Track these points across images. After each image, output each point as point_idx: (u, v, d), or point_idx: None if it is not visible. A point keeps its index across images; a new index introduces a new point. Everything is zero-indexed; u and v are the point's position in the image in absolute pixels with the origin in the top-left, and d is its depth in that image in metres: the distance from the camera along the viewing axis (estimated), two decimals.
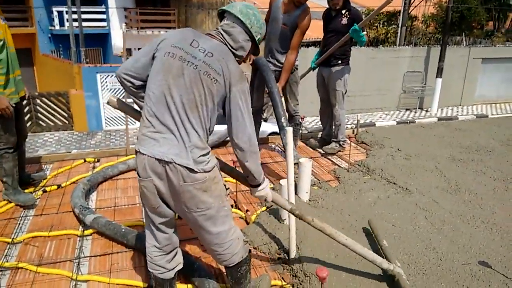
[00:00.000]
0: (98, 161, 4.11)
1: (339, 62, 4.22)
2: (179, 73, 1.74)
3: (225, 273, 2.14)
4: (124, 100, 2.13)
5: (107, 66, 13.60)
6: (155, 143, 1.75)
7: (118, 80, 1.91)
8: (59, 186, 3.49)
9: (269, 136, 5.14)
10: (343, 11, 4.07)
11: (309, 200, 3.24)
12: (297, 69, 3.95)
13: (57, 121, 13.03)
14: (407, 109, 17.19)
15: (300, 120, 4.16)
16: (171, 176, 1.75)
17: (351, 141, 4.19)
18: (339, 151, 4.39)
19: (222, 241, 1.93)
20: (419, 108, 17.23)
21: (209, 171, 1.80)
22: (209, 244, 1.96)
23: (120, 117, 13.41)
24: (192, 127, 1.75)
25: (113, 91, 13.21)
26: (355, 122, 5.68)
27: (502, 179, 3.71)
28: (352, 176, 3.71)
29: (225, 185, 1.96)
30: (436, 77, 16.37)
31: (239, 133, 1.82)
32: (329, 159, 4.29)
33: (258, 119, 4.25)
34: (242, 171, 2.01)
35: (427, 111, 17.09)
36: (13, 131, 3.08)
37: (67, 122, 13.22)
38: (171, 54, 1.76)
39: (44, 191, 3.41)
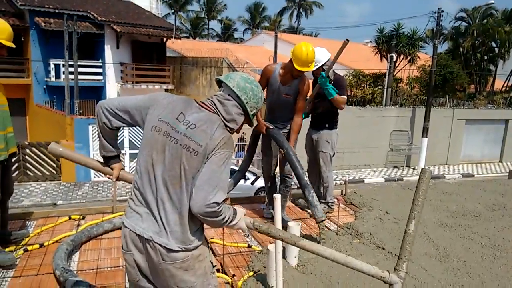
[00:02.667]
0: (83, 218, 4.03)
1: (327, 125, 4.35)
2: (162, 148, 1.72)
3: None
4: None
5: None
6: (138, 217, 1.75)
7: (97, 110, 1.90)
8: (41, 245, 3.39)
9: (258, 194, 5.14)
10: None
11: (298, 265, 3.18)
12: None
13: (45, 171, 12.91)
14: (394, 167, 17.48)
15: (290, 184, 4.20)
16: (150, 253, 1.73)
17: (339, 203, 4.21)
18: (328, 212, 4.39)
19: None
20: (406, 166, 17.53)
21: (193, 249, 1.75)
22: None
23: None
24: (173, 205, 1.70)
25: None
26: (344, 180, 5.73)
27: (490, 246, 3.71)
28: (341, 240, 3.68)
29: (211, 262, 1.89)
30: (422, 136, 16.86)
31: (198, 196, 1.66)
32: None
33: (273, 183, 4.29)
34: None
35: (414, 168, 17.38)
36: None
37: (55, 172, 13.11)
38: (156, 128, 1.75)
39: (26, 250, 3.30)
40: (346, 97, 4.26)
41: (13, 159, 3.33)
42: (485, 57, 26.25)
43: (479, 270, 3.25)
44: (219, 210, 1.70)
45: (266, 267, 2.82)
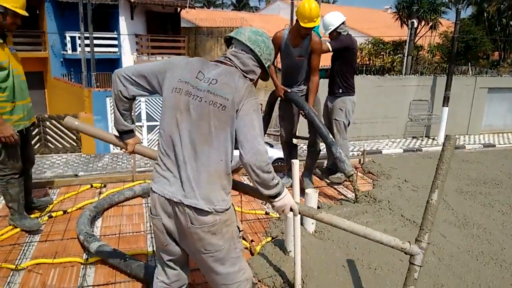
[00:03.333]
0: (105, 186, 4.13)
1: (341, 91, 4.30)
2: (186, 108, 1.71)
3: None
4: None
5: None
6: (166, 182, 1.75)
7: (113, 79, 1.87)
8: (65, 212, 3.50)
9: (275, 164, 5.16)
10: None
11: (315, 232, 3.20)
12: (348, 94, 4.15)
13: (65, 143, 13.18)
14: (413, 137, 17.17)
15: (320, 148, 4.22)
16: (179, 217, 1.74)
17: (357, 171, 4.18)
18: (345, 180, 4.38)
19: (230, 282, 1.88)
20: (425, 136, 17.20)
21: (221, 212, 1.74)
22: (215, 284, 1.91)
23: None
24: (202, 164, 1.70)
25: None
26: (361, 150, 5.66)
27: (510, 213, 3.65)
28: (358, 207, 3.67)
29: (238, 227, 1.89)
30: (443, 106, 16.41)
31: (249, 151, 1.69)
32: (335, 189, 4.27)
33: (293, 151, 4.30)
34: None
35: (433, 139, 17.05)
36: (18, 157, 3.11)
37: (75, 144, 13.36)
38: (177, 89, 1.73)
39: (50, 217, 3.42)
40: (328, 46, 4.12)
41: (31, 129, 3.39)
42: (511, 23, 25.06)
43: (499, 237, 3.22)
44: (268, 160, 1.71)
45: (284, 233, 2.85)
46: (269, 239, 3.09)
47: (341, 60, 4.27)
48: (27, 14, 3.00)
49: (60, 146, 13.12)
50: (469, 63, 19.92)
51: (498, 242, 3.14)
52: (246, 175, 4.56)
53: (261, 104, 5.23)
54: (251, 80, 1.83)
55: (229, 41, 1.91)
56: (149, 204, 1.85)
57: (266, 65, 1.87)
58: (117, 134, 2.06)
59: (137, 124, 13.57)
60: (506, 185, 4.35)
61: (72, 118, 2.13)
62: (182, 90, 1.73)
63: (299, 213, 2.01)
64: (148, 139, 13.76)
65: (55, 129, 12.89)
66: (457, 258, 2.88)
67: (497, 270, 2.78)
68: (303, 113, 3.84)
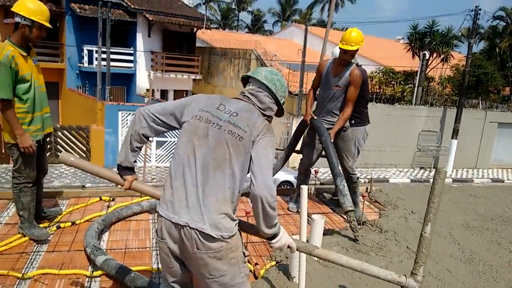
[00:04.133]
0: (113, 200, 4.18)
1: (353, 122, 4.33)
2: (204, 134, 1.79)
3: None
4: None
5: (129, 105, 14.10)
6: (173, 205, 1.78)
7: (136, 116, 1.91)
8: (73, 223, 3.54)
9: (281, 187, 5.17)
10: None
11: (320, 259, 3.20)
12: (349, 127, 4.10)
13: (74, 153, 13.33)
14: (421, 168, 17.10)
15: (356, 178, 4.24)
16: (185, 242, 1.75)
17: (364, 200, 4.18)
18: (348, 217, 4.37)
19: None
20: (433, 168, 17.12)
21: (227, 238, 1.76)
22: None
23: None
24: (213, 188, 1.74)
25: None
26: (369, 178, 5.65)
27: None
28: (364, 236, 3.67)
29: (244, 252, 1.90)
30: (452, 138, 16.40)
31: (260, 181, 1.73)
32: (341, 216, 4.27)
33: (306, 179, 4.33)
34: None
35: None
36: (34, 167, 3.19)
37: (84, 155, 13.50)
38: (197, 117, 1.83)
39: (58, 227, 3.46)
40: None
41: (48, 139, 3.47)
42: None
43: (506, 275, 3.19)
44: (275, 195, 1.77)
45: (289, 257, 2.86)
46: (273, 263, 3.10)
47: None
48: (51, 27, 3.14)
49: None
50: (480, 97, 19.95)
51: (505, 280, 3.11)
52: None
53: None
54: (268, 116, 1.95)
55: (246, 81, 2.04)
56: (156, 227, 1.88)
57: (281, 102, 1.99)
58: (115, 168, 2.09)
59: None
60: None
61: (67, 154, 2.08)
62: (202, 118, 1.83)
63: (297, 250, 2.07)
64: (156, 154, 13.88)
65: (65, 139, 13.07)
66: None
67: None
68: (320, 140, 3.91)
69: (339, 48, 3.80)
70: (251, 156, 1.79)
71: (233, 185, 1.78)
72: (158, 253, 1.95)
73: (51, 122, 3.41)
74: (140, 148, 1.97)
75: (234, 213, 1.83)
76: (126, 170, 2.01)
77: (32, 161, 3.16)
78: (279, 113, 2.03)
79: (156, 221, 1.92)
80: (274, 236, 1.88)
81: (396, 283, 2.22)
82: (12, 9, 2.96)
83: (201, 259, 1.75)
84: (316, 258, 3.17)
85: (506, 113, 18.60)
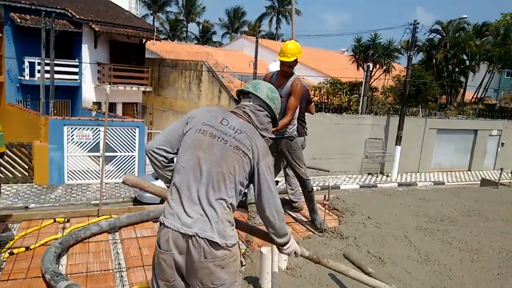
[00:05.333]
0: (68, 221, 3.97)
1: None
2: (209, 147, 1.84)
3: None
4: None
5: (75, 119, 13.46)
6: (180, 217, 1.80)
7: (149, 156, 1.94)
8: (27, 248, 3.32)
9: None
10: None
11: (287, 268, 3.25)
12: (296, 136, 4.17)
13: (16, 172, 12.49)
14: (369, 173, 17.88)
15: (311, 186, 4.31)
16: (192, 252, 1.78)
17: (325, 207, 4.31)
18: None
19: None
20: (380, 173, 17.97)
21: (231, 247, 1.83)
22: None
23: (83, 171, 13.04)
24: (218, 200, 1.81)
25: (79, 144, 12.97)
26: (324, 185, 5.82)
27: (467, 250, 3.90)
28: (327, 243, 3.78)
29: (241, 262, 1.98)
30: (396, 144, 17.36)
31: (269, 206, 1.90)
32: (303, 225, 4.37)
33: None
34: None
35: (388, 175, 17.83)
36: None
37: (27, 174, 12.69)
38: (201, 131, 1.87)
39: (11, 254, 3.23)
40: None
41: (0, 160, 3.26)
42: (457, 69, 27.28)
43: (459, 272, 3.42)
44: (282, 211, 1.95)
45: (259, 270, 2.88)
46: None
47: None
48: (1, 35, 2.97)
49: (11, 175, 12.41)
50: (420, 105, 21.32)
51: (458, 277, 3.34)
52: None
53: None
54: (264, 136, 2.02)
55: (243, 93, 2.08)
56: (159, 240, 1.86)
57: (277, 117, 2.10)
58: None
59: (94, 154, 13.16)
60: (461, 223, 4.65)
61: (130, 176, 2.13)
62: (206, 132, 1.87)
63: (301, 255, 2.27)
64: (106, 170, 13.34)
65: (6, 157, 12.20)
66: None
67: None
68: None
69: (279, 60, 3.90)
70: (257, 179, 1.89)
71: (236, 196, 1.88)
72: (156, 266, 1.89)
73: (3, 142, 3.21)
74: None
75: (234, 222, 1.91)
76: None
77: None
78: (274, 125, 2.12)
79: (160, 234, 1.87)
80: (285, 243, 2.06)
81: None
82: None
83: (207, 268, 1.79)
84: (283, 268, 3.22)
85: (444, 120, 20.02)
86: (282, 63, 3.85)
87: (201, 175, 1.82)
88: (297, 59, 3.83)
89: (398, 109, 18.47)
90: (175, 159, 1.94)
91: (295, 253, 2.14)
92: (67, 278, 2.79)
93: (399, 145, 17.36)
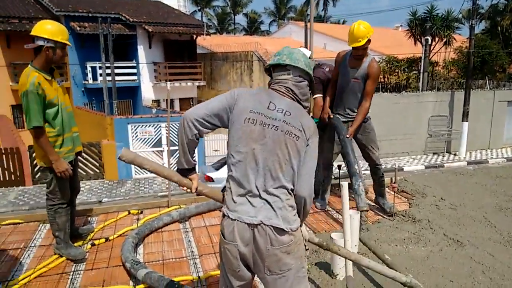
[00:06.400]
0: (141, 212, 4.18)
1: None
2: (261, 137, 1.79)
3: None
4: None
5: (138, 117, 14.13)
6: (244, 208, 1.80)
7: (185, 124, 1.85)
8: (107, 239, 3.54)
9: None
10: None
11: (358, 253, 3.16)
12: (370, 118, 4.07)
13: (88, 170, 13.39)
14: (434, 153, 16.93)
15: (382, 171, 4.21)
16: (258, 240, 1.77)
17: (394, 190, 4.14)
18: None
19: None
20: (446, 152, 16.96)
21: (295, 231, 1.82)
22: None
23: None
24: (278, 188, 1.79)
25: (143, 141, 13.62)
26: (385, 168, 5.57)
27: None
28: (398, 228, 3.63)
29: (305, 245, 1.96)
30: (462, 120, 16.22)
31: (307, 183, 1.84)
32: (372, 209, 4.23)
33: (329, 171, 4.29)
34: None
35: (455, 154, 16.78)
36: (67, 188, 3.20)
37: (98, 171, 13.56)
38: (251, 120, 1.81)
39: (93, 245, 3.46)
40: (318, 96, 4.16)
41: (78, 157, 3.48)
42: None
43: None
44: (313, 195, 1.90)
45: (331, 255, 2.83)
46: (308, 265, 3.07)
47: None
48: (71, 45, 3.14)
49: (84, 173, 13.33)
50: (486, 77, 19.76)
51: None
52: None
53: None
54: (306, 107, 1.94)
55: (276, 66, 1.94)
56: (224, 230, 1.86)
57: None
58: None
59: (157, 149, 13.76)
60: None
61: (128, 151, 1.99)
62: (256, 121, 1.81)
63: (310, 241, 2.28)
64: (170, 163, 13.88)
65: (79, 157, 13.11)
66: (510, 278, 2.81)
67: None
68: (338, 138, 3.89)
69: (351, 47, 3.71)
70: (304, 156, 1.82)
71: (294, 180, 1.84)
72: (223, 257, 1.91)
73: (80, 141, 3.42)
74: (195, 148, 1.96)
75: (295, 205, 1.87)
76: (189, 170, 2.01)
77: (65, 183, 3.16)
78: (310, 88, 2.01)
79: (223, 225, 1.87)
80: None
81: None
82: (32, 33, 2.93)
83: (274, 255, 1.79)
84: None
85: None
86: (355, 49, 3.70)
87: (257, 166, 1.78)
88: (369, 39, 3.65)
89: (463, 83, 17.27)
90: (227, 149, 1.88)
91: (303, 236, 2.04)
92: (146, 266, 2.93)
93: (466, 121, 16.19)
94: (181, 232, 3.77)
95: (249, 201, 1.80)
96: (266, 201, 1.79)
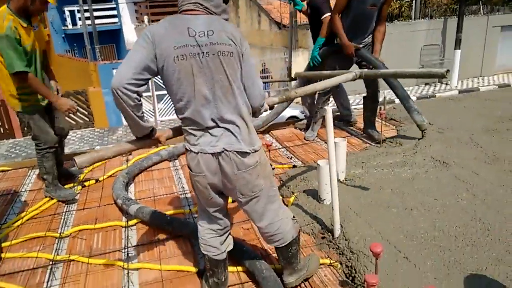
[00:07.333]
0: (130, 154, 4.17)
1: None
2: (197, 69, 1.69)
3: (276, 255, 2.15)
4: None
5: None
6: (205, 140, 1.78)
7: (119, 94, 1.62)
8: (97, 180, 3.57)
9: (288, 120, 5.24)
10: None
11: (345, 179, 3.22)
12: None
13: (78, 119, 13.25)
14: (426, 84, 16.86)
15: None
16: (224, 167, 1.79)
17: (381, 118, 4.13)
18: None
19: (273, 220, 1.98)
20: (438, 82, 16.88)
21: (258, 150, 1.84)
22: (261, 225, 1.99)
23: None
24: (234, 112, 1.76)
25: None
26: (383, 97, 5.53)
27: None
28: (386, 151, 3.66)
29: (271, 165, 1.98)
30: (455, 48, 15.96)
31: (256, 91, 1.85)
32: (359, 138, 4.25)
33: (324, 102, 4.27)
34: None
35: (447, 84, 16.72)
36: (48, 130, 3.14)
37: (87, 119, 13.44)
38: (180, 57, 1.66)
39: (83, 186, 3.49)
40: (328, 15, 4.01)
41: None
42: None
43: None
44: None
45: (318, 182, 2.87)
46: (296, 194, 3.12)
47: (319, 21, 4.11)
48: (55, 3, 2.97)
49: (73, 122, 13.21)
50: (480, 2, 19.11)
51: None
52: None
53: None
54: (226, 19, 1.82)
55: None
56: (190, 164, 1.85)
57: None
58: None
59: (146, 94, 13.53)
60: None
61: (81, 157, 1.75)
62: (185, 56, 1.67)
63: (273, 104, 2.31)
64: (158, 109, 13.74)
65: None
66: (492, 193, 2.88)
67: None
68: (372, 67, 3.86)
69: None
70: (243, 65, 1.79)
71: (245, 99, 1.83)
72: (195, 188, 1.93)
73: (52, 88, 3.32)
74: (143, 111, 1.78)
75: (251, 123, 1.89)
76: (147, 136, 1.90)
77: (44, 126, 3.10)
78: (225, 2, 1.84)
79: (188, 159, 1.86)
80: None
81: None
82: None
83: (243, 178, 1.82)
84: (342, 180, 3.19)
85: (509, 15, 17.90)
86: None
87: (206, 100, 1.72)
88: None
89: (456, 10, 16.72)
90: (171, 97, 1.76)
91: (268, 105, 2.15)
92: (137, 202, 2.97)
93: (459, 48, 15.92)
94: (171, 170, 3.79)
95: (209, 133, 1.77)
96: (225, 128, 1.77)
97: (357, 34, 3.87)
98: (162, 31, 1.69)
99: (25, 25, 2.84)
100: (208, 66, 1.69)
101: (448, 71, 2.45)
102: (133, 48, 1.70)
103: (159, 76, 1.74)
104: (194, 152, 1.80)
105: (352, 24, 3.82)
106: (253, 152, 1.80)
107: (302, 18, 13.38)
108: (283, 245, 2.03)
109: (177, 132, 2.00)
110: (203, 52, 1.68)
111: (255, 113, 1.93)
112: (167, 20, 1.74)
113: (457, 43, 15.94)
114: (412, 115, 3.90)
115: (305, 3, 4.26)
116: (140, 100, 1.70)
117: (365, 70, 3.06)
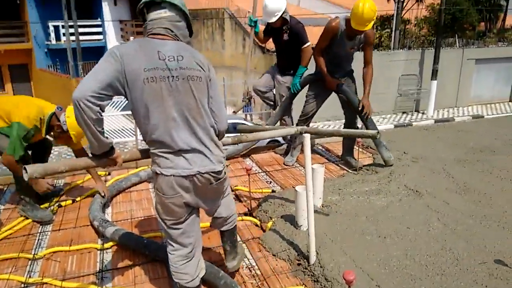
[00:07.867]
0: (109, 174, 4.14)
1: (292, 72, 4.38)
2: (168, 92, 1.75)
3: (222, 242, 2.36)
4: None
5: None
6: (178, 163, 1.82)
7: (81, 106, 1.57)
8: (73, 201, 3.52)
9: (268, 145, 5.35)
10: (283, 27, 4.23)
11: (322, 206, 3.28)
12: (353, 71, 4.31)
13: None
14: (403, 112, 17.32)
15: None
16: (199, 186, 1.89)
17: (358, 146, 4.25)
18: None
19: (230, 204, 2.22)
20: (415, 111, 17.38)
21: (224, 163, 1.99)
22: (223, 214, 2.19)
23: (118, 130, 13.42)
24: (204, 133, 1.86)
25: (112, 104, 13.23)
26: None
27: (509, 178, 3.78)
28: (362, 178, 3.76)
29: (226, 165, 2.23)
30: (431, 79, 16.54)
31: (221, 117, 1.98)
32: (337, 164, 4.35)
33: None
34: None
35: (423, 113, 17.24)
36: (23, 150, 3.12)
37: None
38: (149, 79, 1.70)
39: (60, 206, 3.44)
40: (308, 45, 4.22)
41: None
42: None
43: (500, 201, 3.34)
44: None
45: (295, 207, 2.92)
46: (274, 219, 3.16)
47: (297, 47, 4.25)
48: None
49: (52, 139, 12.96)
50: (456, 35, 20.01)
51: (499, 205, 3.26)
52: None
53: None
54: None
55: (150, 4, 1.83)
56: (162, 187, 1.86)
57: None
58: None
59: (126, 112, 13.43)
60: (502, 152, 4.48)
61: (32, 167, 1.68)
62: (155, 78, 1.72)
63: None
64: None
65: None
66: (462, 223, 2.99)
67: (500, 232, 2.89)
68: (354, 108, 4.10)
69: (351, 28, 3.61)
70: (211, 89, 1.92)
71: (212, 121, 1.93)
72: (165, 211, 1.95)
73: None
74: (103, 126, 1.74)
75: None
76: (105, 154, 1.84)
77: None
78: (190, 35, 1.97)
79: (159, 182, 1.86)
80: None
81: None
82: (68, 120, 3.17)
83: (216, 188, 1.99)
84: (320, 208, 3.25)
85: (482, 49, 18.74)
86: (359, 30, 3.62)
87: (176, 122, 1.78)
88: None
89: (433, 41, 17.42)
90: (135, 117, 1.78)
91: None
92: (114, 224, 2.95)
93: (435, 79, 16.52)
94: (150, 191, 3.78)
95: (182, 156, 1.82)
96: (196, 150, 1.84)
97: (337, 69, 4.07)
98: (132, 52, 1.72)
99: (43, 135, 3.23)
100: (178, 89, 1.77)
101: (378, 132, 3.09)
102: (100, 64, 1.68)
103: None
104: (166, 175, 1.82)
105: (333, 61, 4.02)
106: (222, 168, 1.94)
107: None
108: (233, 225, 2.29)
109: (135, 155, 1.99)
110: (173, 76, 1.76)
111: (219, 136, 2.01)
112: (136, 42, 1.78)
113: (434, 74, 16.54)
114: (380, 150, 4.07)
115: (260, 25, 4.48)
116: (102, 115, 1.67)
117: (305, 127, 3.28)
